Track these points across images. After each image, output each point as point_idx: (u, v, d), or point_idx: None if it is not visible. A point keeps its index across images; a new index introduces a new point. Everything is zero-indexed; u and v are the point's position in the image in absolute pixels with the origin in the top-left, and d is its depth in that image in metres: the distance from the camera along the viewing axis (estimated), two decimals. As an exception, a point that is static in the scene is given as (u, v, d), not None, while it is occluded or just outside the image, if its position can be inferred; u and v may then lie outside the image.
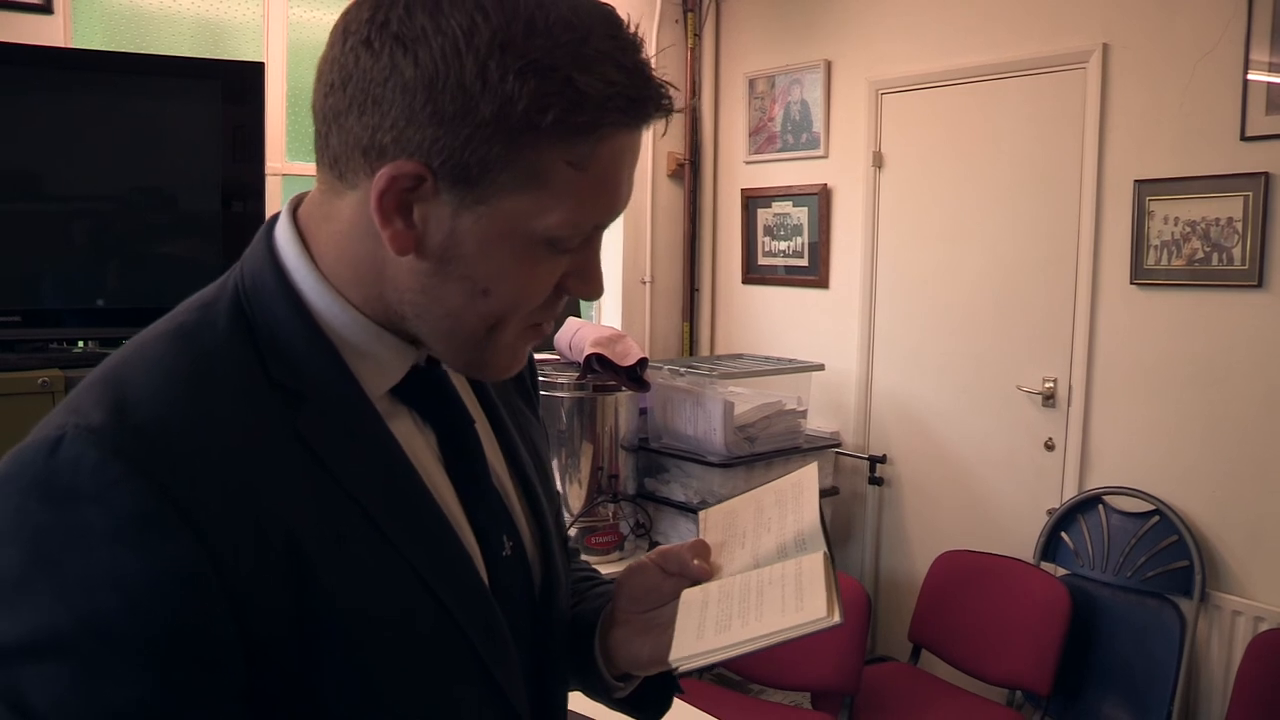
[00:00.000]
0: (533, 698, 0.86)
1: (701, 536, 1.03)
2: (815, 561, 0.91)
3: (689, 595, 0.93)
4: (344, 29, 0.71)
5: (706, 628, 0.87)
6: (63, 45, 3.08)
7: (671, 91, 0.74)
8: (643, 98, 0.71)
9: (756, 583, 0.91)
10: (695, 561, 0.95)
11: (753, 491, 1.08)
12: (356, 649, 0.71)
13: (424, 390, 0.82)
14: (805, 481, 1.04)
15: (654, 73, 0.73)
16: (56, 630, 0.62)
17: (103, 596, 0.62)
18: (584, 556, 3.21)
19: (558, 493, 1.00)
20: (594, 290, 0.79)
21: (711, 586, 0.93)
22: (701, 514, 1.08)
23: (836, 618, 0.83)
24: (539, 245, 0.73)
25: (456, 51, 0.66)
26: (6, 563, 0.63)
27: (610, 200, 0.75)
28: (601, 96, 0.68)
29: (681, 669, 0.86)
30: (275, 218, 0.80)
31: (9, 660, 0.62)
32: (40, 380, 2.39)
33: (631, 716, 1.04)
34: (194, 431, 0.67)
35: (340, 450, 0.73)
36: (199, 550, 0.64)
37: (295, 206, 0.80)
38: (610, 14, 0.71)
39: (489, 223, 0.71)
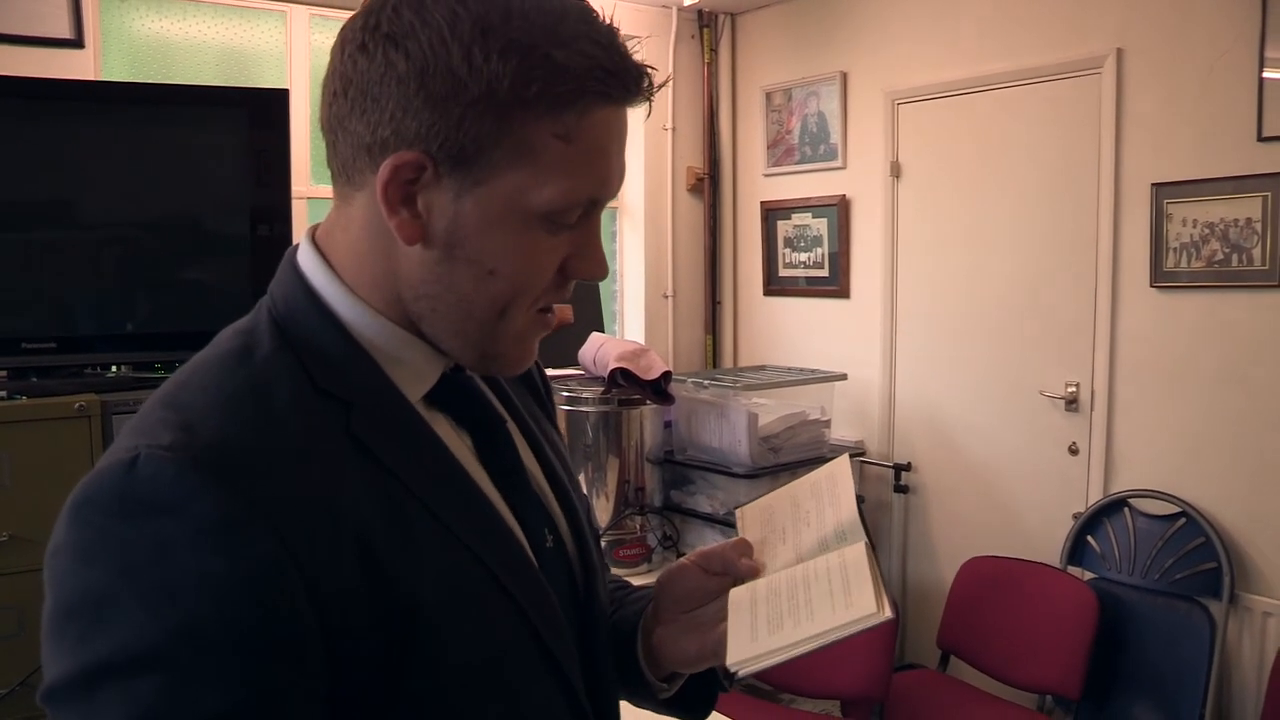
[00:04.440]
0: (587, 685, 0.89)
1: (740, 535, 1.03)
2: (857, 553, 0.91)
3: (736, 595, 0.93)
4: (341, 41, 0.76)
5: (759, 629, 0.87)
6: (93, 78, 3.15)
7: (651, 72, 0.78)
8: (620, 70, 0.75)
9: (803, 578, 0.91)
10: (742, 560, 0.97)
11: (787, 486, 1.09)
12: (434, 635, 0.74)
13: (455, 395, 0.86)
14: (838, 473, 1.05)
15: (630, 52, 0.76)
16: (147, 642, 0.63)
17: (190, 601, 0.64)
18: (613, 569, 3.24)
19: (584, 494, 1.03)
20: (596, 269, 0.82)
21: (759, 584, 0.94)
22: (738, 511, 1.09)
23: (887, 613, 0.83)
24: (536, 222, 0.76)
25: (443, 40, 0.71)
26: (92, 582, 0.65)
27: (600, 174, 0.78)
28: (580, 69, 0.72)
29: (741, 673, 0.86)
30: (295, 247, 0.85)
31: (103, 679, 0.63)
32: (77, 405, 2.45)
33: (678, 718, 1.05)
34: (260, 440, 0.71)
35: (394, 449, 0.77)
36: (279, 548, 0.66)
37: (313, 232, 0.84)
38: (582, 3, 0.77)
39: (488, 203, 0.74)
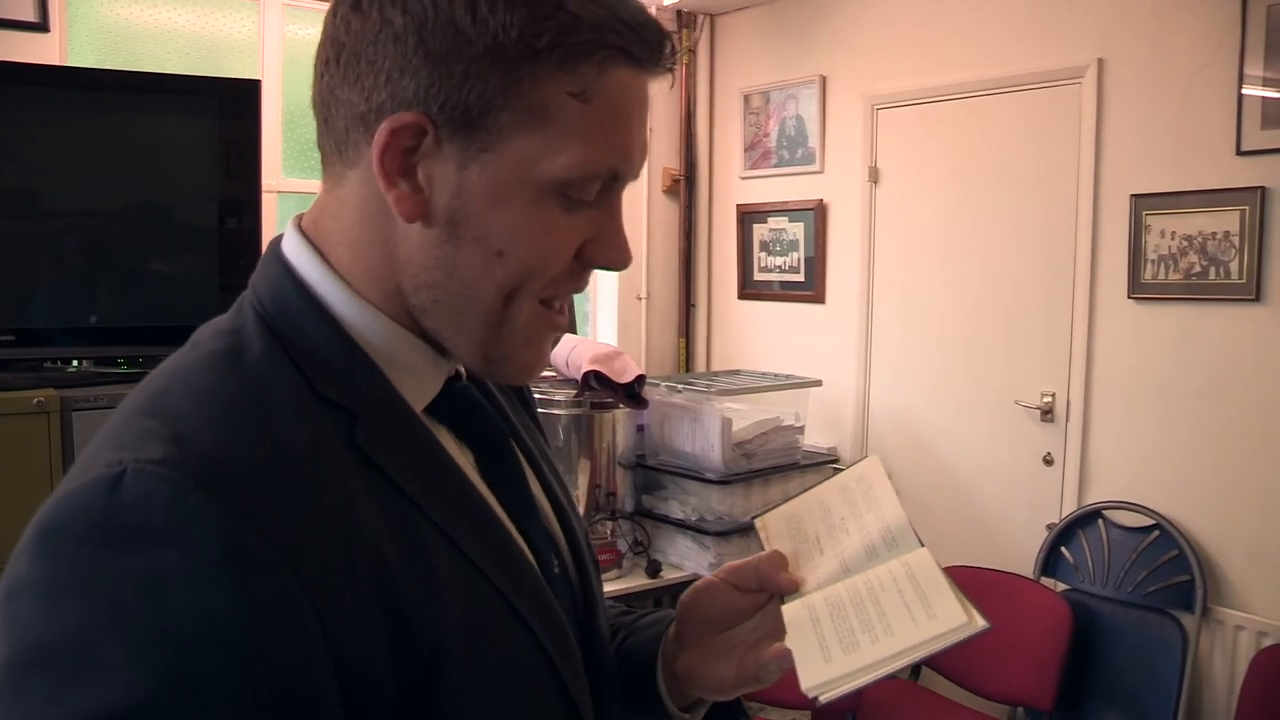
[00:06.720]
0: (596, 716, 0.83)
1: (768, 546, 0.95)
2: (923, 559, 0.85)
3: (792, 613, 0.86)
4: (334, 4, 0.69)
5: (831, 649, 0.81)
6: (58, 63, 3.07)
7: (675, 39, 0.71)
8: (641, 25, 0.68)
9: (867, 590, 0.85)
10: (780, 574, 0.90)
11: (811, 491, 1.01)
12: (459, 676, 0.66)
13: (458, 408, 0.79)
14: (871, 475, 0.97)
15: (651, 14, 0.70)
16: (134, 701, 0.52)
17: (190, 648, 0.54)
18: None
19: (581, 516, 0.95)
20: (618, 255, 0.74)
21: (814, 600, 0.86)
22: (758, 521, 1.01)
23: (980, 621, 0.78)
24: (551, 196, 0.68)
25: None
26: (65, 626, 0.54)
27: (621, 142, 0.70)
28: (597, 20, 0.66)
29: (822, 698, 0.78)
30: (278, 238, 0.76)
31: None
32: (35, 400, 2.37)
33: None
34: (264, 454, 0.61)
35: (404, 465, 0.69)
36: (294, 583, 0.57)
37: (298, 221, 0.75)
38: None
39: (496, 172, 0.67)
